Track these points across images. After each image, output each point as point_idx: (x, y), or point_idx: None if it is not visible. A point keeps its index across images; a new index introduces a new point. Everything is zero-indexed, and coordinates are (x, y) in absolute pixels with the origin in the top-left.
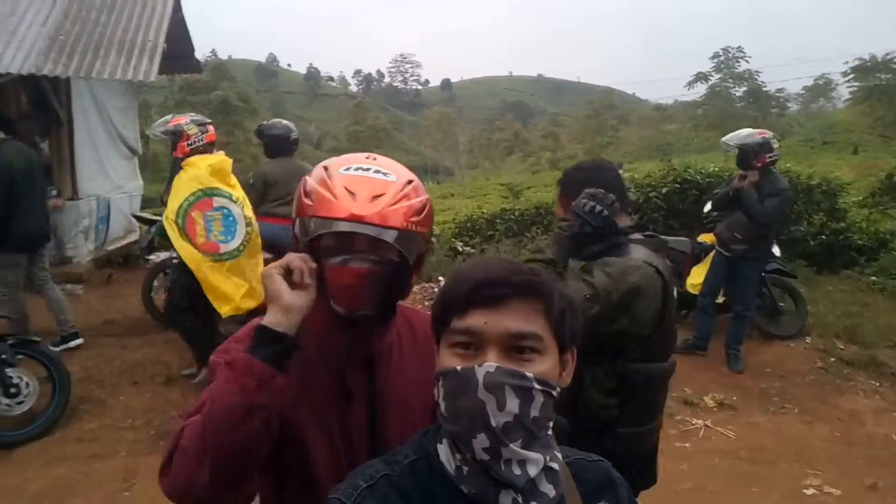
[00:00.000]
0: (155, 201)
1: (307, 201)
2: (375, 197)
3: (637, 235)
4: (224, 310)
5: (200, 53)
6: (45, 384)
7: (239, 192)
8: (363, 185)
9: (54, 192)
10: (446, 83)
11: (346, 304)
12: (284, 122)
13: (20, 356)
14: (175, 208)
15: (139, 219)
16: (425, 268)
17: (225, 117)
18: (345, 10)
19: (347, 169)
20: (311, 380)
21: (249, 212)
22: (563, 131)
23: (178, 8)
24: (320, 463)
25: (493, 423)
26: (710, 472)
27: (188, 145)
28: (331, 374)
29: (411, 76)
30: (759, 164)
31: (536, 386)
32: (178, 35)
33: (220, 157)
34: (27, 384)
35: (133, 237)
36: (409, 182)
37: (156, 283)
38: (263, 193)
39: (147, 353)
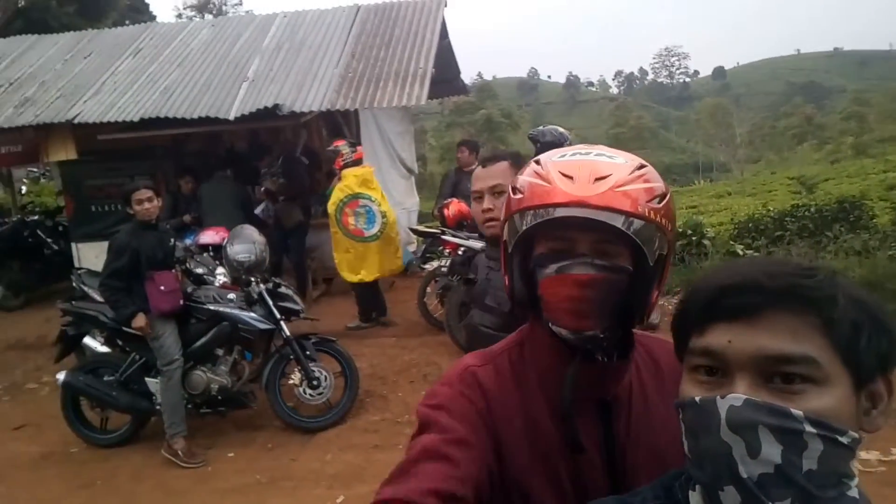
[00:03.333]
0: (428, 217)
1: (516, 196)
2: (599, 179)
3: None
4: (353, 278)
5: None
6: (339, 378)
7: (377, 194)
8: (584, 167)
9: None
10: (719, 71)
11: (566, 320)
12: (560, 129)
13: (320, 352)
14: (334, 204)
15: (415, 232)
16: (699, 272)
17: (490, 134)
18: (603, 12)
19: (563, 156)
20: (534, 421)
21: (386, 207)
22: (870, 111)
23: (444, 35)
24: None
25: (744, 475)
26: None
27: (343, 161)
28: (556, 418)
29: (678, 69)
30: None
31: (809, 429)
32: (446, 60)
33: (365, 170)
34: (325, 377)
35: (411, 248)
36: (642, 166)
37: (428, 289)
38: None
39: (422, 353)
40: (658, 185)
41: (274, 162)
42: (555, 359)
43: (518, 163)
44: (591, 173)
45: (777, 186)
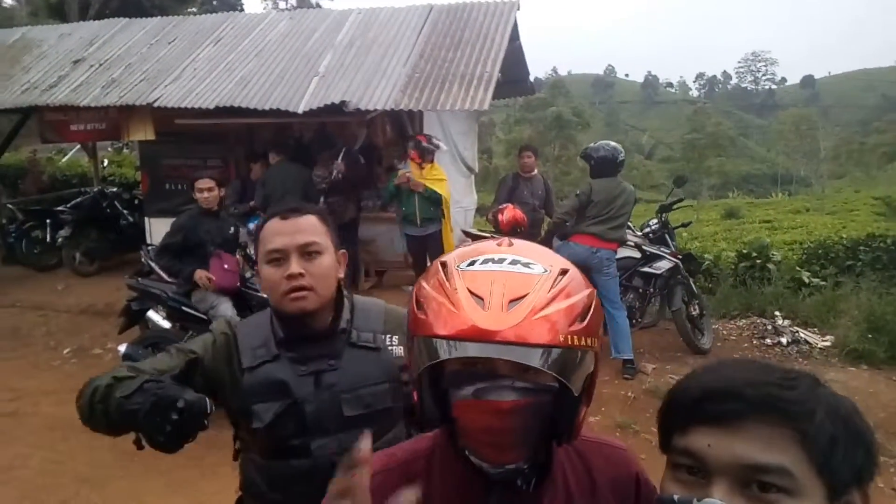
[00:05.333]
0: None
1: (420, 315)
2: (514, 300)
3: None
4: None
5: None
6: None
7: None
8: (496, 284)
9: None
10: (808, 80)
11: (486, 454)
12: (612, 144)
13: None
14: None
15: (468, 234)
16: (760, 297)
17: (558, 132)
18: (689, 12)
19: (472, 263)
20: None
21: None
22: None
23: (514, 37)
24: None
25: None
26: None
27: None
28: None
29: (764, 75)
30: None
31: None
32: (515, 61)
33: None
34: None
35: None
36: (563, 272)
37: None
38: (583, 209)
39: None
40: (582, 295)
41: (335, 155)
42: (468, 489)
43: (327, 220)
44: (506, 293)
45: (860, 206)
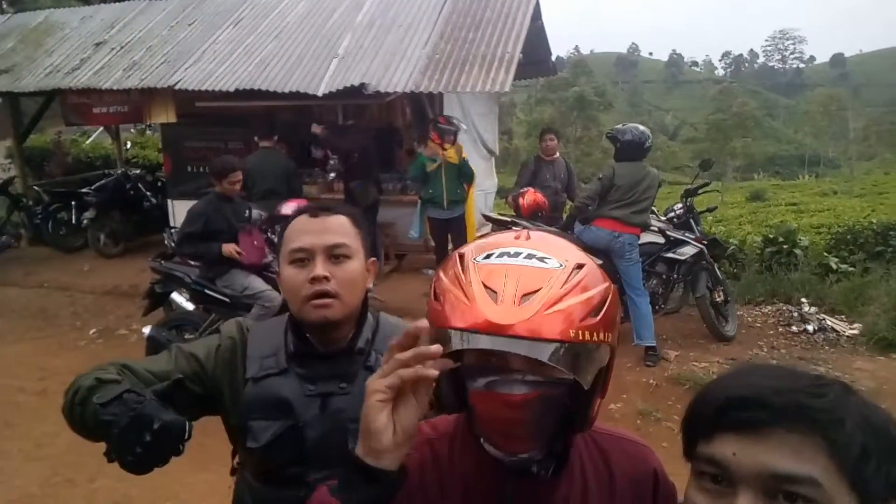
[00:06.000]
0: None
1: (437, 305)
2: (527, 294)
3: None
4: None
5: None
6: None
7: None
8: (510, 277)
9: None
10: (838, 58)
11: (499, 444)
12: (641, 128)
13: None
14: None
15: (488, 218)
16: (786, 283)
17: (580, 112)
18: None
19: (488, 256)
20: None
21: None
22: None
23: (536, 16)
24: None
25: None
26: None
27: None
28: None
29: (792, 53)
30: None
31: None
32: (537, 41)
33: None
34: None
35: (486, 231)
36: (579, 267)
37: None
38: (605, 193)
39: None
40: (597, 289)
41: (357, 139)
42: (485, 473)
43: (359, 223)
44: (519, 287)
45: (890, 189)
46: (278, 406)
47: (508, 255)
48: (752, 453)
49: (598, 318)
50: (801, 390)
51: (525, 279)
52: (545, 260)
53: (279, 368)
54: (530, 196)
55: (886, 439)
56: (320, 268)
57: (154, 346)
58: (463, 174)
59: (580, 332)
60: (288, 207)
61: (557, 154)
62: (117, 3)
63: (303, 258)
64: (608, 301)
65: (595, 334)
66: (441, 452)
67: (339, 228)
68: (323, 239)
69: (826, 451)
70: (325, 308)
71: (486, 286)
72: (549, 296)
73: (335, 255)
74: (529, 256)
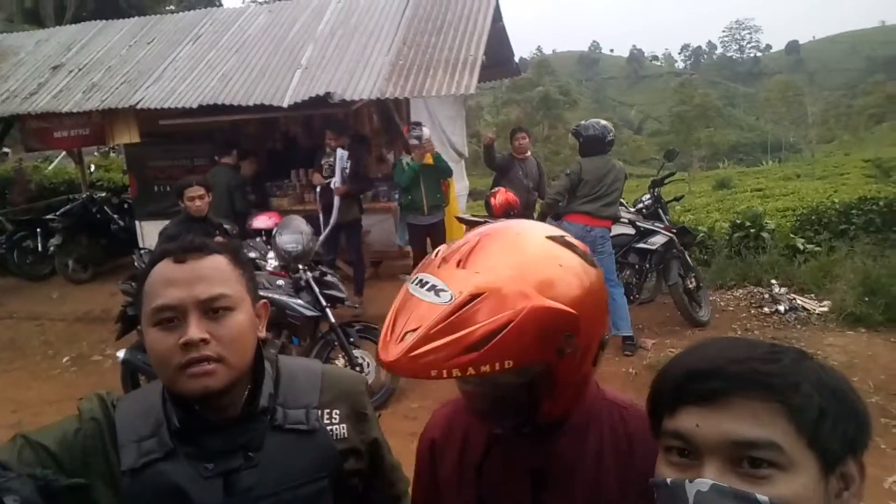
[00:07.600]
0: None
1: None
2: (410, 332)
3: None
4: None
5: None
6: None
7: None
8: (402, 311)
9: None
10: (792, 46)
11: (479, 418)
12: (602, 122)
13: (363, 339)
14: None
15: (461, 220)
16: (756, 266)
17: (546, 112)
18: None
19: (413, 282)
20: (451, 489)
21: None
22: None
23: (497, 18)
24: None
25: None
26: None
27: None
28: (470, 489)
29: (748, 43)
30: None
31: None
32: (499, 43)
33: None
34: (368, 363)
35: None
36: (473, 297)
37: None
38: (574, 188)
39: None
40: (485, 322)
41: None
42: (476, 431)
43: (240, 261)
44: (407, 323)
45: (850, 169)
46: (170, 498)
47: (420, 282)
48: (713, 423)
49: (483, 350)
50: (756, 358)
51: (414, 315)
52: (440, 293)
53: (163, 451)
54: (501, 196)
55: (841, 400)
56: (194, 329)
57: (129, 368)
58: (440, 171)
59: (451, 370)
60: (260, 221)
61: (529, 153)
62: (73, 25)
63: (171, 317)
64: (505, 330)
65: (475, 368)
66: (464, 421)
67: (215, 274)
68: (195, 291)
69: (784, 414)
70: (206, 377)
71: (394, 318)
72: (418, 336)
73: (213, 308)
74: (431, 288)
